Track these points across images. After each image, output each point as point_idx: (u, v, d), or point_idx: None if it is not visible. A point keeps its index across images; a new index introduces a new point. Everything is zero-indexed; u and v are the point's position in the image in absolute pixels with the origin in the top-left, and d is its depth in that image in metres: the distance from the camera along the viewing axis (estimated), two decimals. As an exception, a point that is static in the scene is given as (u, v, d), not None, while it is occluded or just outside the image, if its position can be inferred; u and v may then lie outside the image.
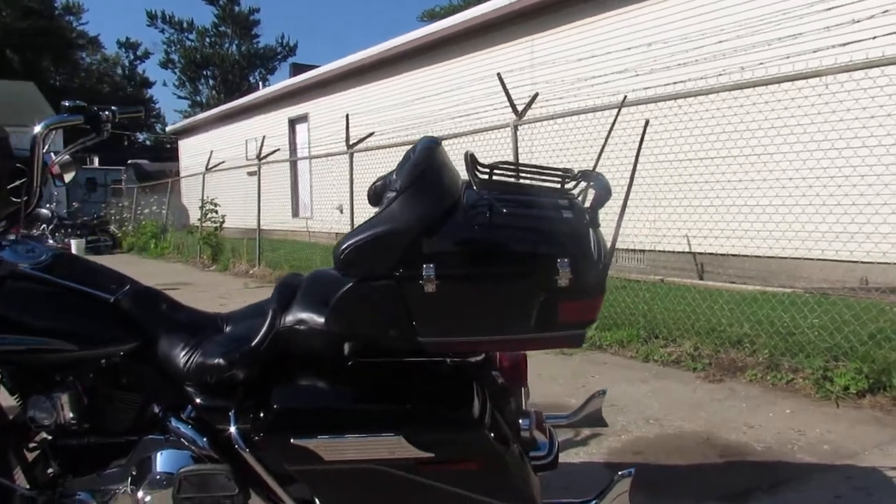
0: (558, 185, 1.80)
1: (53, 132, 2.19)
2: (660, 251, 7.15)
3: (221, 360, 1.82)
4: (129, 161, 26.90)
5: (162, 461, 1.86)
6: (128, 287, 2.01)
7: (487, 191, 1.71)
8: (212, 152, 12.36)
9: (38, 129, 2.13)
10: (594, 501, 1.86)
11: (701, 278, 7.04)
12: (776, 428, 3.28)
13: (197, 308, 2.12)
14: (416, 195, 1.63)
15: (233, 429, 1.76)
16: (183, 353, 1.87)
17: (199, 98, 46.06)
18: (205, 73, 46.74)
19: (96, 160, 28.67)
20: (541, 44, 9.23)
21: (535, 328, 1.60)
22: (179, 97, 50.06)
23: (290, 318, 1.78)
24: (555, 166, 1.98)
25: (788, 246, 5.67)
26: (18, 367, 1.95)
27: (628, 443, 3.12)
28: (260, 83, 35.24)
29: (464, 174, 1.75)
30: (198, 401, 1.88)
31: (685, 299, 5.25)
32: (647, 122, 1.87)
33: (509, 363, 1.98)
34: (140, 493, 1.85)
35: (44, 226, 8.78)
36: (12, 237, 2.04)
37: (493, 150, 6.51)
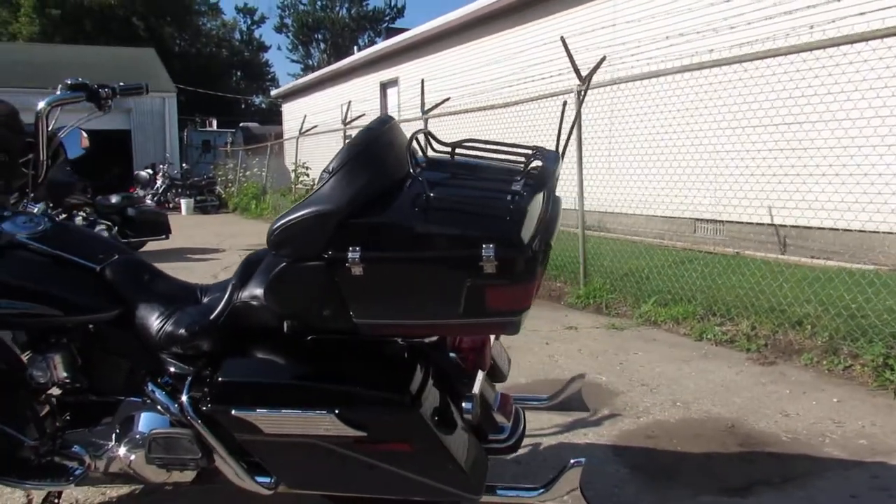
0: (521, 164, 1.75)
1: (58, 108, 2.35)
2: (741, 223, 6.74)
3: (184, 331, 1.91)
4: (241, 124, 28.21)
5: (138, 422, 2.00)
6: (115, 257, 2.13)
7: (427, 172, 1.69)
8: (305, 116, 12.73)
9: (41, 105, 2.28)
10: (542, 490, 1.83)
11: (783, 252, 6.60)
12: (814, 418, 3.08)
13: (179, 279, 2.23)
14: (346, 176, 1.63)
15: (184, 397, 1.85)
16: (157, 321, 1.98)
17: (310, 62, 47.27)
18: (316, 36, 47.78)
19: (214, 122, 30.20)
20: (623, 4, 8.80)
21: (465, 314, 1.57)
22: (292, 61, 51.66)
23: (245, 294, 1.84)
24: (524, 144, 1.93)
25: (882, 220, 5.20)
26: (18, 329, 2.13)
27: (644, 426, 3.02)
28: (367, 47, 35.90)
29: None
30: (168, 368, 1.99)
31: (754, 275, 4.95)
32: (564, 104, 1.77)
33: (469, 346, 1.95)
34: (121, 450, 2.00)
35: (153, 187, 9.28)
36: (11, 211, 2.21)
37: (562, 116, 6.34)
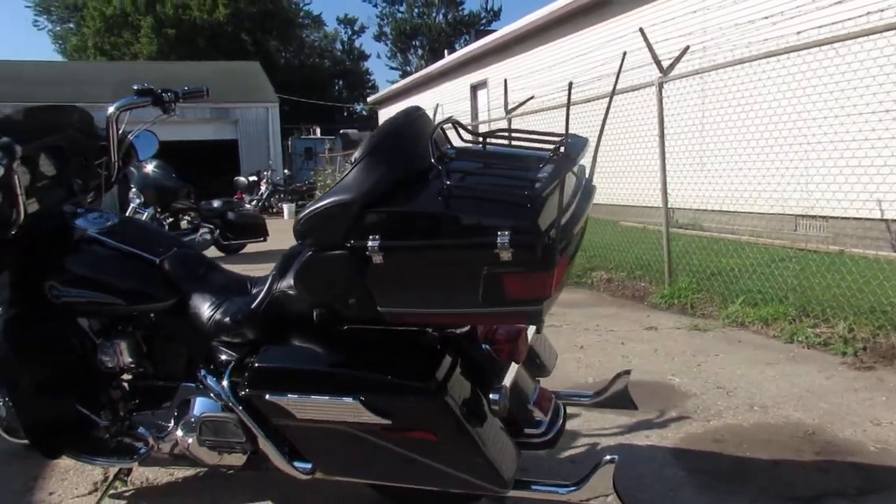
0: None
1: (126, 112, 2.50)
2: (847, 218, 6.28)
3: (228, 320, 1.99)
4: (341, 131, 29.09)
5: (192, 406, 2.09)
6: (174, 250, 2.24)
7: (453, 162, 1.68)
8: (570, 85, 12.90)
9: (110, 110, 2.44)
10: (574, 488, 1.77)
11: (895, 249, 6.08)
12: (910, 428, 2.81)
13: (232, 271, 2.32)
14: (367, 166, 1.65)
15: (225, 382, 1.92)
16: (208, 311, 2.07)
17: (408, 68, 48.15)
18: (414, 43, 48.60)
19: (318, 130, 31.29)
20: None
21: (484, 303, 1.55)
22: (391, 68, 52.69)
23: (284, 284, 1.89)
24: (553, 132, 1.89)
25: None
26: (89, 317, 2.28)
27: (713, 429, 2.86)
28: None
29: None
30: (218, 355, 2.07)
31: (854, 274, 4.60)
32: (570, 84, 1.70)
33: (503, 337, 1.92)
34: (178, 433, 2.10)
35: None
36: (82, 209, 2.38)
37: (648, 108, 6.13)
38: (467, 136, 1.83)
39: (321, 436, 1.80)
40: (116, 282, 2.16)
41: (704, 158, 7.87)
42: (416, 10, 48.63)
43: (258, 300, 1.94)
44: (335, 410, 1.73)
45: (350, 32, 49.26)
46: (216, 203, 9.21)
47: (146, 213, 8.25)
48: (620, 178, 8.06)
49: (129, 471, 2.45)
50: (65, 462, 2.36)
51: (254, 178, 17.68)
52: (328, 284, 1.70)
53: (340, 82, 47.08)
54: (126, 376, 2.32)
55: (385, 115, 21.18)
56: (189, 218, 8.80)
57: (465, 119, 14.32)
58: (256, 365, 1.84)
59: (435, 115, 10.79)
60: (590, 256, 7.03)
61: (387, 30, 48.75)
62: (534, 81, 11.28)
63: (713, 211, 8.01)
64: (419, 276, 1.60)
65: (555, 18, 11.45)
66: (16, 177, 2.06)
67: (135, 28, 31.32)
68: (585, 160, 1.92)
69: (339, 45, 48.91)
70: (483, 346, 1.92)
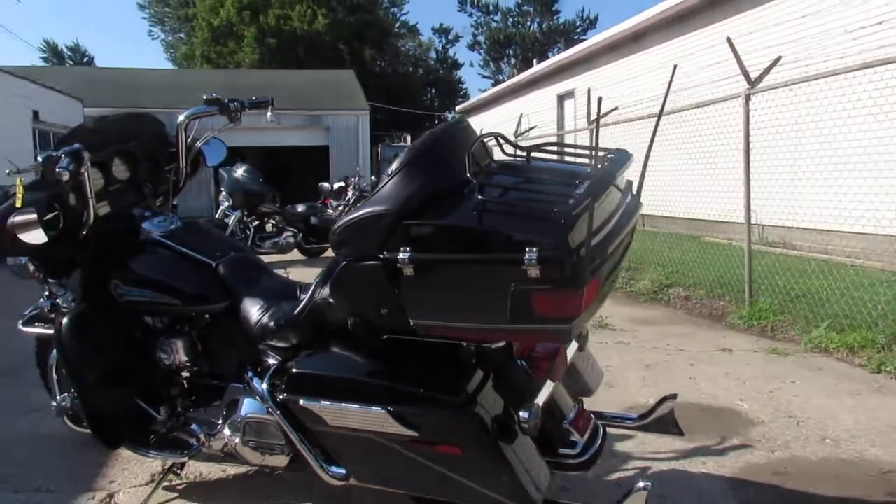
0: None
1: (196, 121, 2.63)
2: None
3: (273, 324, 2.05)
4: (430, 138, 29.38)
5: (238, 406, 2.16)
6: (230, 254, 2.33)
7: (492, 176, 1.68)
8: (481, 130, 12.97)
9: (180, 118, 2.57)
10: None
11: None
12: None
13: (283, 277, 2.39)
14: (404, 178, 1.66)
15: (264, 385, 1.98)
16: (256, 314, 2.14)
17: (501, 77, 48.24)
18: (507, 52, 48.65)
19: (408, 138, 31.84)
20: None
21: (512, 319, 1.54)
22: (484, 77, 52.89)
23: (325, 292, 1.93)
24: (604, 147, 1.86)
25: None
26: (149, 315, 2.40)
27: (776, 461, 2.71)
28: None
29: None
30: (264, 358, 2.14)
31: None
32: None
33: (540, 354, 1.89)
34: (226, 431, 2.18)
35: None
36: (150, 212, 2.50)
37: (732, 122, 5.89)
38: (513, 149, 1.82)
39: (353, 443, 1.83)
40: (174, 283, 2.27)
41: (797, 173, 7.47)
42: (510, 20, 48.75)
43: (300, 307, 1.99)
44: (365, 419, 1.75)
45: (444, 41, 49.81)
46: (300, 207, 9.50)
47: (234, 216, 8.64)
48: (705, 193, 7.78)
49: (183, 465, 2.56)
50: (128, 452, 2.50)
51: (341, 183, 18.10)
52: (362, 294, 1.73)
53: (433, 90, 47.67)
54: (184, 374, 2.42)
55: (474, 123, 21.32)
56: (274, 221, 9.13)
57: (552, 129, 14.20)
58: (293, 370, 1.89)
59: (518, 124, 10.78)
60: (668, 273, 6.81)
61: (481, 39, 49.07)
62: (620, 91, 11.06)
63: (805, 229, 7.59)
64: (449, 289, 1.60)
65: (641, 29, 11.20)
66: (86, 181, 2.20)
67: (239, 38, 32.83)
68: (633, 175, 1.88)
69: (433, 54, 49.56)
70: (519, 362, 1.90)
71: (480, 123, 19.54)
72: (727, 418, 3.18)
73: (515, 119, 15.59)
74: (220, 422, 2.21)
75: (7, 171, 2.20)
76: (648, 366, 4.08)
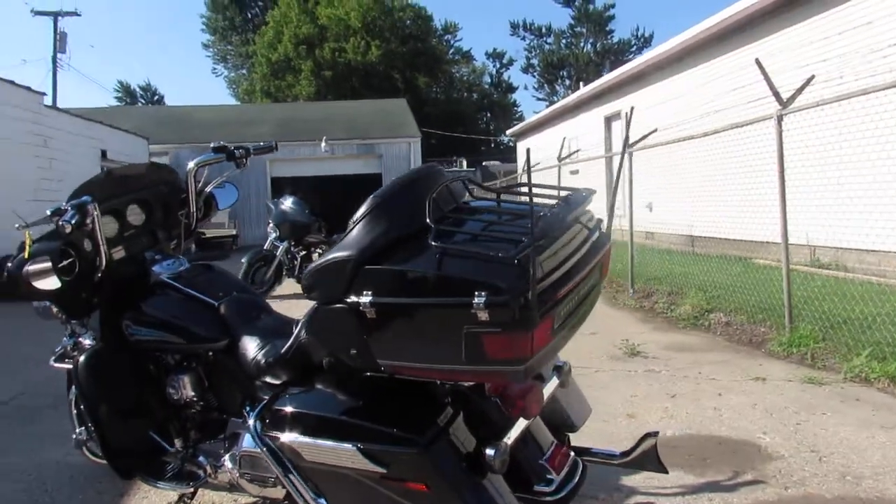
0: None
1: (205, 168, 2.77)
2: None
3: (264, 362, 2.14)
4: (483, 163, 29.63)
5: (237, 440, 2.25)
6: (232, 294, 2.44)
7: (446, 220, 1.73)
8: (528, 151, 12.99)
9: (190, 165, 2.71)
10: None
11: None
12: None
13: (283, 315, 2.48)
14: (367, 224, 1.73)
15: (251, 420, 2.05)
16: (252, 352, 2.23)
17: (555, 99, 48.21)
18: (561, 73, 48.68)
19: (464, 162, 32.08)
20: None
21: (467, 361, 1.57)
22: (538, 99, 53.01)
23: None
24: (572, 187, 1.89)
25: None
26: (158, 353, 2.53)
27: (789, 499, 2.63)
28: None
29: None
30: (259, 394, 2.22)
31: None
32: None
33: (513, 393, 1.91)
34: (227, 464, 2.27)
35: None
36: (162, 255, 2.64)
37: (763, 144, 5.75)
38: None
39: (331, 478, 1.88)
40: (178, 322, 2.39)
41: (844, 192, 7.22)
42: (563, 41, 48.84)
43: (287, 346, 2.06)
44: (338, 456, 1.80)
45: (498, 66, 50.21)
46: (346, 237, 9.68)
47: (282, 246, 8.90)
48: (754, 213, 7.59)
49: (193, 494, 2.65)
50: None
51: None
52: (332, 336, 1.79)
53: (488, 114, 48.03)
54: (192, 408, 2.53)
55: (523, 146, 21.37)
56: (320, 251, 9.34)
57: (599, 151, 14.10)
58: (274, 407, 1.97)
59: (561, 149, 10.77)
60: (709, 297, 6.66)
61: (534, 62, 49.30)
62: (664, 112, 10.93)
63: (858, 250, 7.31)
64: (408, 332, 1.64)
65: (685, 49, 11.04)
66: (97, 229, 2.35)
67: (296, 71, 33.95)
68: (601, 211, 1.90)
69: (487, 79, 49.97)
70: (493, 399, 1.92)
71: (530, 146, 19.56)
72: (745, 452, 3.10)
73: (569, 139, 15.57)
74: (223, 454, 2.31)
75: (17, 225, 2.38)
76: (675, 396, 4.01)
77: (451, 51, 45.06)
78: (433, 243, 1.60)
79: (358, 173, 21.50)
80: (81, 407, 2.65)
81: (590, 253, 1.79)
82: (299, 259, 9.07)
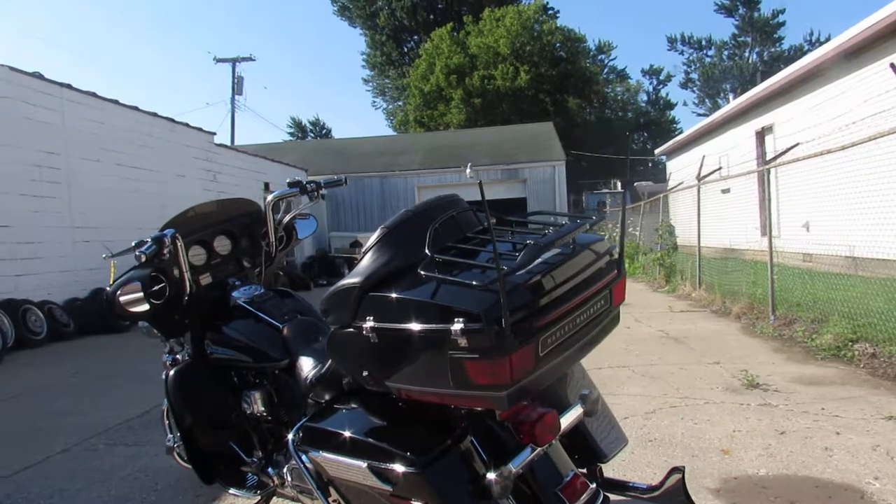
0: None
1: (283, 201, 3.01)
2: None
3: (309, 382, 2.30)
4: (635, 183, 28.75)
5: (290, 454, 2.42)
6: (296, 318, 2.64)
7: (449, 250, 1.80)
8: (670, 173, 12.53)
9: (269, 199, 2.96)
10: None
11: None
12: None
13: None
14: (375, 254, 1.85)
15: (290, 435, 2.21)
16: (305, 372, 2.41)
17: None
18: (723, 87, 46.31)
19: (618, 184, 31.41)
20: None
21: (455, 386, 1.62)
22: (698, 115, 50.76)
23: None
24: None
25: None
26: (233, 370, 2.78)
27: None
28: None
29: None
30: (309, 411, 2.39)
31: None
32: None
33: (524, 419, 1.91)
34: (287, 476, 2.46)
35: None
36: (238, 281, 2.90)
37: None
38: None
39: (352, 494, 1.98)
40: (246, 342, 2.62)
41: None
42: (725, 52, 46.59)
43: (325, 367, 2.21)
44: (353, 472, 1.90)
45: (655, 83, 48.74)
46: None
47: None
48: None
49: (268, 500, 2.86)
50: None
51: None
52: (346, 358, 1.91)
53: (644, 134, 46.67)
54: (265, 422, 2.75)
55: (673, 165, 20.52)
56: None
57: (750, 167, 13.23)
58: (306, 423, 2.11)
59: (700, 167, 10.27)
60: (857, 325, 6.04)
61: (694, 76, 47.41)
62: (823, 120, 10.08)
63: None
64: (403, 356, 1.72)
65: (849, 49, 10.13)
66: (180, 258, 2.65)
67: (447, 100, 35.07)
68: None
69: (643, 97, 48.65)
70: (506, 424, 1.93)
71: (681, 165, 18.75)
72: (843, 497, 2.81)
73: (718, 156, 14.79)
74: (284, 467, 2.49)
75: (103, 255, 2.73)
76: (783, 433, 3.70)
77: (606, 70, 44.43)
78: (421, 272, 1.67)
79: (502, 198, 21.76)
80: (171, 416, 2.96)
81: (590, 279, 1.77)
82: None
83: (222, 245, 2.96)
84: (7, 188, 8.70)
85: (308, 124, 48.16)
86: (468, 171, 21.60)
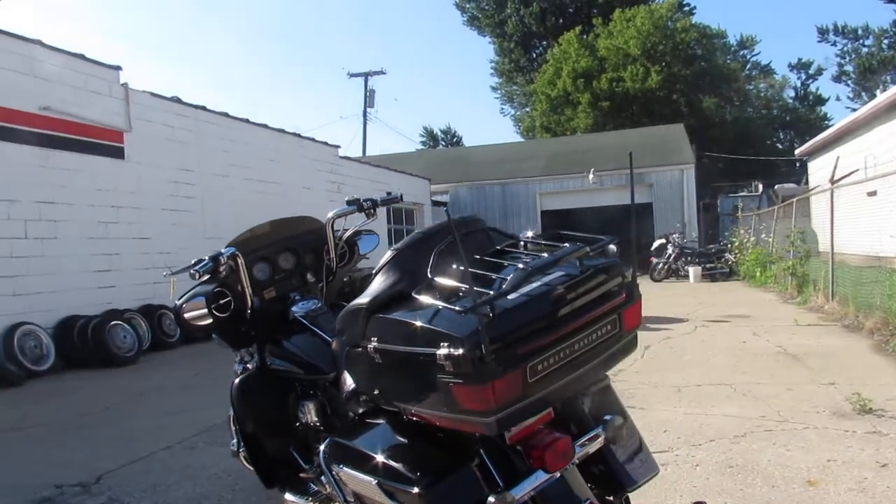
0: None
1: (342, 218, 3.13)
2: None
3: (344, 397, 2.39)
4: (775, 186, 26.89)
5: None
6: None
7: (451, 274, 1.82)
8: (810, 174, 11.62)
9: (329, 216, 3.09)
10: None
11: None
12: None
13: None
14: (383, 275, 1.90)
15: (321, 447, 2.29)
16: (346, 386, 2.50)
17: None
18: (882, 79, 42.32)
19: (759, 186, 29.57)
20: None
21: (446, 409, 1.64)
22: (853, 110, 46.74)
23: None
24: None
25: None
26: (286, 380, 2.91)
27: None
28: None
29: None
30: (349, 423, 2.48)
31: None
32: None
33: (535, 444, 1.88)
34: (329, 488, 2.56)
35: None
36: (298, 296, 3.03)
37: None
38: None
39: None
40: (300, 355, 2.74)
41: None
42: (885, 41, 42.62)
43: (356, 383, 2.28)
44: (366, 488, 1.95)
45: (804, 77, 45.33)
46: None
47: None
48: None
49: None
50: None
51: (662, 240, 17.74)
52: (360, 377, 1.97)
53: (791, 132, 43.53)
54: (320, 431, 2.87)
55: (814, 166, 18.98)
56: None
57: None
58: (333, 437, 2.19)
59: (835, 168, 9.51)
60: None
61: (848, 68, 43.69)
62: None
63: None
64: (402, 378, 1.75)
65: None
66: (241, 274, 2.83)
67: (574, 105, 34.51)
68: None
69: (789, 93, 45.39)
70: (517, 447, 1.91)
71: (820, 165, 17.34)
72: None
73: (864, 155, 13.53)
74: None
75: (164, 273, 2.94)
76: (885, 465, 3.34)
77: (748, 66, 41.89)
78: (414, 295, 1.70)
79: (627, 203, 21.12)
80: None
81: (592, 304, 1.72)
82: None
83: (286, 261, 3.12)
84: (149, 204, 9.61)
85: (440, 133, 49.18)
86: (590, 176, 21.24)
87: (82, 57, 8.87)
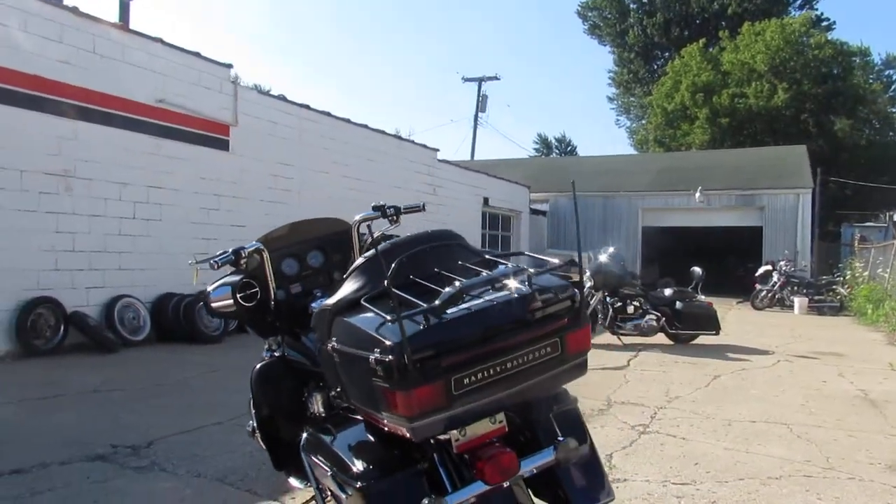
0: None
1: (368, 223, 3.28)
2: None
3: (334, 392, 2.53)
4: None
5: None
6: None
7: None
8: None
9: (355, 219, 3.25)
10: None
11: None
12: None
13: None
14: (349, 281, 2.03)
15: (303, 436, 2.43)
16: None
17: None
18: None
19: (893, 216, 27.39)
20: None
21: (384, 410, 1.74)
22: None
23: None
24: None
25: None
26: (298, 370, 3.09)
27: None
28: None
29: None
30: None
31: None
32: None
33: (479, 454, 1.94)
34: None
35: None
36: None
37: None
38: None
39: (335, 500, 2.16)
40: (311, 348, 2.91)
41: None
42: None
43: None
44: (327, 479, 2.08)
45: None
46: (667, 292, 9.40)
47: (596, 296, 9.10)
48: None
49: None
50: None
51: (768, 266, 16.85)
52: (327, 374, 2.10)
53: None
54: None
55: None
56: (637, 304, 9.22)
57: None
58: (310, 428, 2.33)
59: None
60: None
61: None
62: None
63: None
64: (352, 377, 1.86)
65: None
66: (265, 267, 3.03)
67: (691, 119, 33.27)
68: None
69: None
70: (465, 456, 1.97)
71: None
72: None
73: None
74: None
75: (189, 262, 3.18)
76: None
77: (894, 87, 38.73)
78: (363, 302, 1.82)
79: (734, 225, 20.21)
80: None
81: (529, 325, 1.76)
82: (612, 310, 9.12)
83: (315, 258, 3.30)
84: (249, 194, 10.22)
85: (554, 141, 48.75)
86: (697, 195, 20.43)
87: (197, 55, 9.58)
